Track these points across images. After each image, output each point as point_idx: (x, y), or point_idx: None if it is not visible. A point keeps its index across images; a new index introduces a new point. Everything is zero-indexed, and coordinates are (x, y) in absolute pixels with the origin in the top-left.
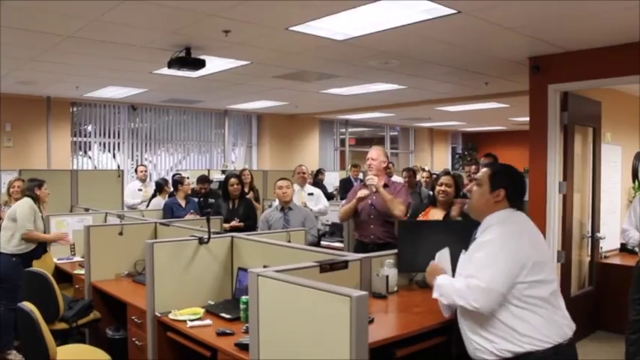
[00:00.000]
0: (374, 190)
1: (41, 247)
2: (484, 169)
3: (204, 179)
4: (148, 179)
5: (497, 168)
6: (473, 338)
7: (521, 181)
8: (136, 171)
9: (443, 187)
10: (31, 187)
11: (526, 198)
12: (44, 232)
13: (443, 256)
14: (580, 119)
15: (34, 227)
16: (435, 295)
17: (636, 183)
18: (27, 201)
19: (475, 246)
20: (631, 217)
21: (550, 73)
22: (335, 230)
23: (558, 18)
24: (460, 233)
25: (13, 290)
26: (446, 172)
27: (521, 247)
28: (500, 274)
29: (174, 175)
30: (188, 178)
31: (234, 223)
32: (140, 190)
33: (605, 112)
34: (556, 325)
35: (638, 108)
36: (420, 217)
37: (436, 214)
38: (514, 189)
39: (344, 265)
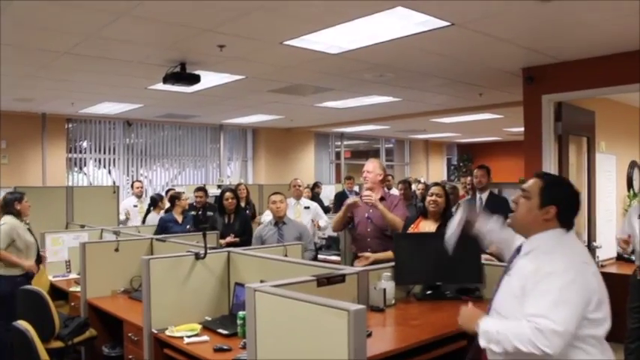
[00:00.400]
0: (369, 206)
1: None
2: (534, 180)
3: (200, 189)
4: (144, 195)
5: (551, 180)
6: None
7: (575, 200)
8: (132, 186)
9: (433, 198)
10: (11, 202)
11: None
12: (37, 246)
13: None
14: (574, 129)
15: (15, 247)
16: (481, 343)
17: (631, 192)
18: (5, 222)
19: (532, 279)
20: (625, 228)
21: (544, 83)
22: (332, 243)
23: (551, 29)
24: (456, 244)
25: (7, 310)
26: (436, 183)
27: (588, 280)
28: (574, 314)
29: (167, 191)
30: (184, 193)
31: (229, 238)
32: (136, 206)
33: (599, 121)
34: None
35: (632, 117)
36: (411, 229)
37: (427, 226)
38: (568, 208)
39: (341, 278)
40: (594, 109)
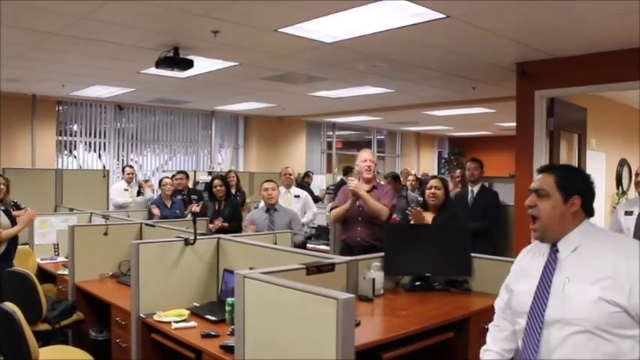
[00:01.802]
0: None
1: (12, 246)
2: (543, 176)
3: (181, 172)
4: (134, 180)
5: (563, 171)
6: None
7: (592, 184)
8: (123, 171)
9: (432, 190)
10: None
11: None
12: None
13: None
14: (566, 125)
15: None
16: None
17: (620, 189)
18: None
19: (626, 280)
20: (613, 225)
21: (537, 79)
22: (321, 233)
23: (546, 24)
24: (446, 237)
25: None
26: (434, 176)
27: None
28: None
29: (161, 180)
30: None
31: (217, 222)
32: (126, 190)
33: (590, 118)
34: None
35: (623, 115)
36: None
37: (427, 217)
38: (588, 194)
39: (331, 267)
40: (586, 105)
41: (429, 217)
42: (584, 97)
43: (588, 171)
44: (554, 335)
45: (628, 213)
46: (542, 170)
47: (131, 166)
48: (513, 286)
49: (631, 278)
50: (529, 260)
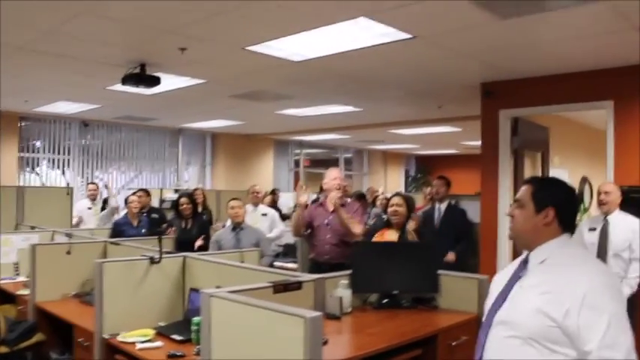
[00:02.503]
0: (329, 212)
1: None
2: (524, 187)
3: (142, 190)
4: (98, 197)
5: (542, 182)
6: None
7: (571, 198)
8: (87, 187)
9: (394, 208)
10: None
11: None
12: None
13: None
14: (529, 144)
15: None
16: None
17: (582, 207)
18: None
19: (564, 301)
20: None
21: (501, 98)
22: (288, 251)
23: (510, 46)
24: (413, 255)
25: None
26: (396, 194)
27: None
28: (629, 329)
29: (126, 199)
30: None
31: (199, 242)
32: (90, 208)
33: (552, 137)
34: None
35: (583, 134)
36: (376, 238)
37: (392, 235)
38: (566, 207)
39: (298, 285)
40: (548, 125)
41: (393, 235)
42: (546, 116)
43: None
44: (495, 334)
45: (592, 229)
46: (525, 181)
47: (94, 183)
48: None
49: (573, 298)
50: (503, 274)
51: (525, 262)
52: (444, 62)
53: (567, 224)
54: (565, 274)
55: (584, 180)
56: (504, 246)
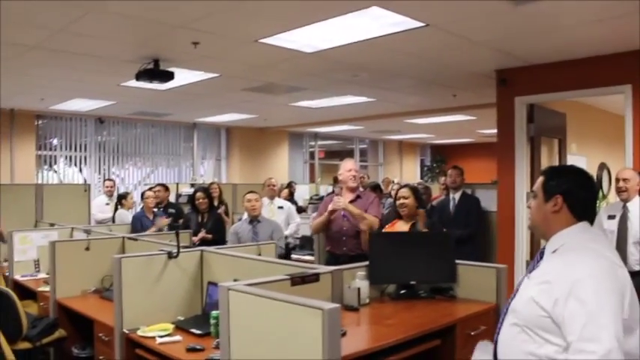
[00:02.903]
0: (342, 212)
1: None
2: (540, 178)
3: (160, 184)
4: (115, 193)
5: (551, 171)
6: None
7: (581, 184)
8: (104, 184)
9: (401, 200)
10: None
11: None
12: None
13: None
14: (546, 131)
15: None
16: None
17: (600, 194)
18: None
19: (559, 287)
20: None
21: (516, 85)
22: (305, 243)
23: (525, 31)
24: (430, 244)
25: None
26: (403, 186)
27: (620, 281)
28: (617, 328)
29: (143, 193)
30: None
31: (200, 234)
32: (107, 204)
33: (569, 123)
34: None
35: (601, 120)
36: (387, 229)
37: (402, 226)
38: (574, 195)
39: (315, 277)
40: (565, 111)
41: (404, 226)
42: (563, 102)
43: None
44: (505, 322)
45: (611, 217)
46: (541, 172)
47: (111, 179)
48: None
49: (562, 288)
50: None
51: (542, 253)
52: (458, 50)
53: (581, 212)
54: (562, 262)
55: (603, 166)
56: (522, 234)
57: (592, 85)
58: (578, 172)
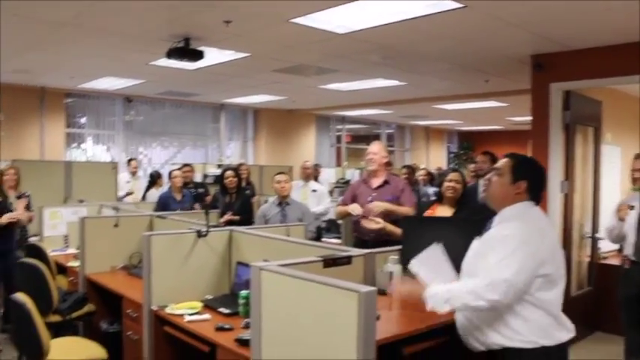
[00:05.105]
0: (372, 189)
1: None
2: (505, 159)
3: (187, 165)
4: (138, 172)
5: (520, 159)
6: (467, 325)
7: (542, 175)
8: (128, 163)
9: (452, 184)
10: None
11: None
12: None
13: (433, 254)
14: (581, 119)
15: None
16: (428, 307)
17: (637, 184)
18: None
19: (491, 241)
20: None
21: (552, 71)
22: (331, 226)
23: (563, 16)
24: (465, 229)
25: None
26: (454, 169)
27: (540, 244)
28: (522, 270)
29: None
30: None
31: (227, 216)
32: (128, 182)
33: (605, 112)
34: (553, 325)
35: (638, 109)
36: (428, 214)
37: (443, 211)
38: (536, 182)
39: (347, 260)
40: (602, 99)
41: (447, 211)
42: (599, 90)
43: (603, 165)
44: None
45: (630, 207)
46: (506, 155)
47: (135, 159)
48: None
49: (490, 243)
50: None
51: (491, 222)
52: (494, 33)
53: (535, 196)
54: (501, 226)
55: (638, 156)
56: (554, 223)
57: (631, 72)
58: (539, 165)
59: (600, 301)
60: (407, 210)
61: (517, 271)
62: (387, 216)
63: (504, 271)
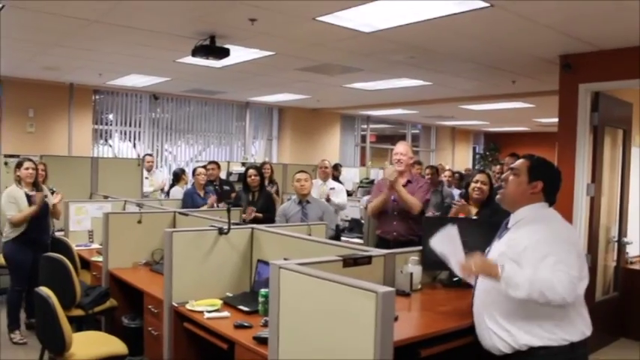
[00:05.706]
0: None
1: (35, 226)
2: (522, 160)
3: (213, 162)
4: (154, 168)
5: (537, 160)
6: (492, 328)
7: (558, 177)
8: (144, 159)
9: (479, 185)
10: (14, 170)
11: None
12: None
13: (450, 234)
14: (610, 120)
15: (20, 209)
16: (502, 286)
17: None
18: (7, 189)
19: (539, 245)
20: None
21: (581, 72)
22: (354, 226)
23: (593, 15)
24: (486, 230)
25: (15, 272)
26: (481, 170)
27: (574, 239)
28: (582, 268)
29: (195, 169)
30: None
31: (250, 210)
32: (147, 178)
33: (636, 114)
34: (580, 322)
35: None
36: (452, 214)
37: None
38: (551, 183)
39: (367, 260)
40: (632, 100)
41: (472, 211)
42: (629, 91)
43: (633, 168)
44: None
45: None
46: (523, 157)
47: (151, 155)
48: None
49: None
50: None
51: (507, 222)
52: (522, 33)
53: (550, 197)
54: (527, 230)
55: None
56: (580, 225)
57: None
58: (555, 166)
59: (626, 306)
60: (413, 200)
61: (579, 269)
62: (405, 213)
63: (572, 271)
